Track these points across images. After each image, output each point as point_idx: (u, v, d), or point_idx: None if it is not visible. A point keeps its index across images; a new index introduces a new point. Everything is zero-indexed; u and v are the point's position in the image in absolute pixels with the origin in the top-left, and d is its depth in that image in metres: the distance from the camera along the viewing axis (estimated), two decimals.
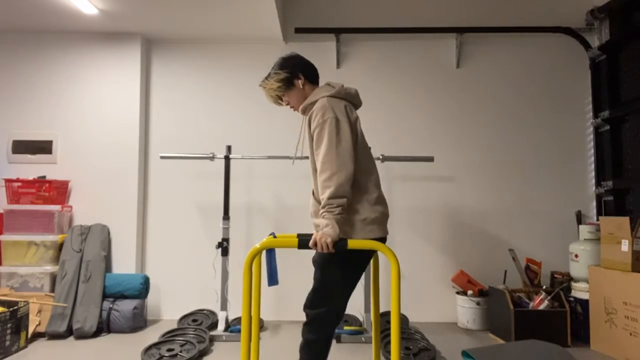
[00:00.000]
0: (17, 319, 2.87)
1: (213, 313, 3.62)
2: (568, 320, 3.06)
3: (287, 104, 2.05)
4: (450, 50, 3.91)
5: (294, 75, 2.00)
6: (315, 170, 1.93)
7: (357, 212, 1.85)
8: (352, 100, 1.99)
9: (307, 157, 3.42)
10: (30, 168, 3.71)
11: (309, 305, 1.90)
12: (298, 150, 2.04)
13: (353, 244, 1.77)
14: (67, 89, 3.77)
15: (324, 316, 1.87)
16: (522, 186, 3.84)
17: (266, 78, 2.03)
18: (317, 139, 1.85)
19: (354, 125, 1.90)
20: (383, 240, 1.89)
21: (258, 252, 1.79)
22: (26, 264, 3.44)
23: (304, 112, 2.00)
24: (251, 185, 3.85)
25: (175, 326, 3.39)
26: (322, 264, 1.88)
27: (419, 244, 3.81)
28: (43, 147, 3.73)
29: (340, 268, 1.86)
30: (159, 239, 3.83)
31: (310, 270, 3.79)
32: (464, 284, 3.63)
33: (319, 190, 1.82)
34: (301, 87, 2.00)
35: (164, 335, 3.04)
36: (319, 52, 3.92)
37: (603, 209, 3.74)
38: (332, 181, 1.77)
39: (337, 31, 3.85)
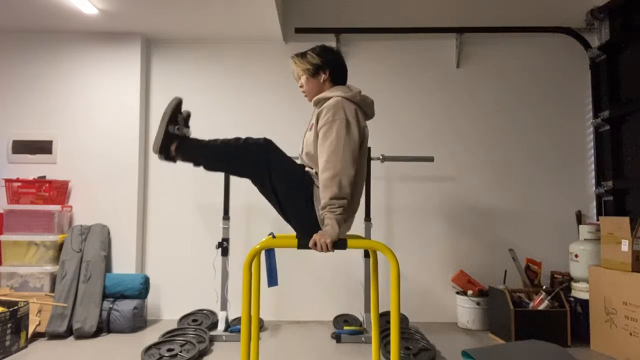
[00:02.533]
0: (17, 319, 2.87)
1: (213, 313, 3.62)
2: (568, 320, 3.06)
3: (301, 86, 2.08)
4: (450, 50, 3.91)
5: (322, 68, 2.02)
6: (309, 159, 1.95)
7: None
8: (365, 108, 1.99)
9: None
10: (30, 168, 3.71)
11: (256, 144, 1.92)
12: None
13: (352, 244, 1.78)
14: (67, 89, 3.77)
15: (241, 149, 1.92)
16: (522, 186, 3.84)
17: (302, 55, 2.07)
18: (323, 136, 1.85)
19: (362, 131, 1.91)
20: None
21: (257, 252, 1.79)
22: (26, 264, 3.44)
23: (316, 104, 2.01)
24: (251, 185, 3.83)
25: (175, 326, 3.38)
26: (297, 185, 1.89)
27: (419, 244, 3.81)
28: (43, 147, 3.73)
29: (291, 189, 1.88)
30: (159, 239, 3.83)
31: (310, 270, 3.79)
32: (464, 284, 3.63)
33: (320, 189, 1.81)
34: (321, 81, 2.03)
35: (164, 335, 3.05)
36: None
37: (603, 209, 3.74)
38: (335, 181, 1.77)
39: (337, 31, 3.85)
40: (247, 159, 1.89)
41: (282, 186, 1.87)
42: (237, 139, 1.92)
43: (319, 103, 1.99)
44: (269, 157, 1.87)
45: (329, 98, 1.94)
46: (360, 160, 1.93)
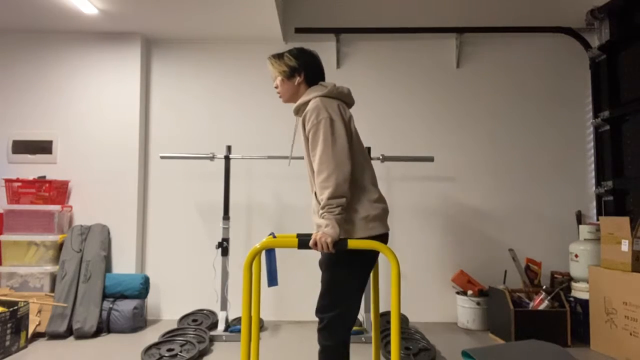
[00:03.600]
0: (17, 319, 2.87)
1: (213, 313, 3.62)
2: (568, 320, 3.06)
3: (276, 87, 2.07)
4: (450, 50, 3.91)
5: (298, 71, 2.01)
6: (312, 171, 1.93)
7: (357, 210, 1.84)
8: (344, 99, 1.99)
9: (302, 158, 3.43)
10: (30, 168, 3.71)
11: (320, 310, 1.85)
12: (293, 151, 2.04)
13: (353, 243, 1.77)
14: (67, 89, 3.77)
15: (337, 320, 1.83)
16: (522, 186, 3.84)
17: (279, 56, 2.05)
18: (312, 140, 1.85)
19: (348, 124, 1.90)
20: (385, 236, 1.88)
21: (258, 252, 1.79)
22: (26, 264, 3.44)
23: (297, 112, 2.00)
24: (251, 185, 3.85)
25: (175, 326, 3.39)
26: (329, 265, 1.86)
27: (419, 244, 3.81)
28: (43, 147, 3.73)
29: (347, 268, 1.85)
30: (159, 239, 3.83)
31: (310, 270, 3.79)
32: (464, 284, 3.63)
33: (317, 191, 1.82)
34: (296, 84, 2.02)
35: (164, 335, 3.05)
36: (319, 52, 3.82)
37: (603, 209, 3.74)
38: (330, 181, 1.77)
39: (337, 31, 3.85)
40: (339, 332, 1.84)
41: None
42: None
43: (299, 110, 1.99)
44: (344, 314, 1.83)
45: (307, 102, 1.94)
46: (357, 149, 1.92)
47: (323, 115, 1.84)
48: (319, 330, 1.85)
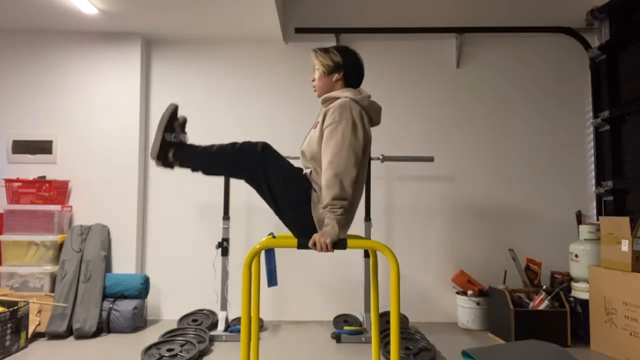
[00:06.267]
0: (17, 319, 2.87)
1: (213, 313, 3.62)
2: (568, 320, 3.06)
3: (313, 80, 2.09)
4: (450, 50, 3.91)
5: (339, 69, 2.02)
6: (311, 157, 1.95)
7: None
8: (371, 113, 1.98)
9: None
10: (30, 168, 3.71)
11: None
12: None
13: (352, 244, 1.78)
14: (67, 89, 3.77)
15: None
16: (522, 186, 3.84)
17: (325, 50, 2.06)
18: (328, 135, 1.85)
19: (367, 134, 1.91)
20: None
21: (257, 253, 1.79)
22: (26, 264, 3.45)
23: (324, 103, 2.01)
24: None
25: (175, 326, 3.38)
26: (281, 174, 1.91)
27: (419, 243, 3.81)
28: (43, 147, 3.73)
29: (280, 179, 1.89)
30: (159, 239, 3.83)
31: (310, 270, 3.79)
32: (464, 284, 3.63)
33: (323, 189, 1.81)
34: (334, 80, 2.02)
35: (164, 335, 3.05)
36: None
37: (603, 209, 3.74)
38: (337, 181, 1.77)
39: (337, 31, 3.85)
40: (244, 164, 1.91)
41: (279, 190, 1.89)
42: (234, 144, 1.93)
43: (326, 102, 1.99)
44: (266, 162, 1.89)
45: (337, 98, 1.94)
46: (363, 163, 1.92)
47: (347, 116, 1.85)
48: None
